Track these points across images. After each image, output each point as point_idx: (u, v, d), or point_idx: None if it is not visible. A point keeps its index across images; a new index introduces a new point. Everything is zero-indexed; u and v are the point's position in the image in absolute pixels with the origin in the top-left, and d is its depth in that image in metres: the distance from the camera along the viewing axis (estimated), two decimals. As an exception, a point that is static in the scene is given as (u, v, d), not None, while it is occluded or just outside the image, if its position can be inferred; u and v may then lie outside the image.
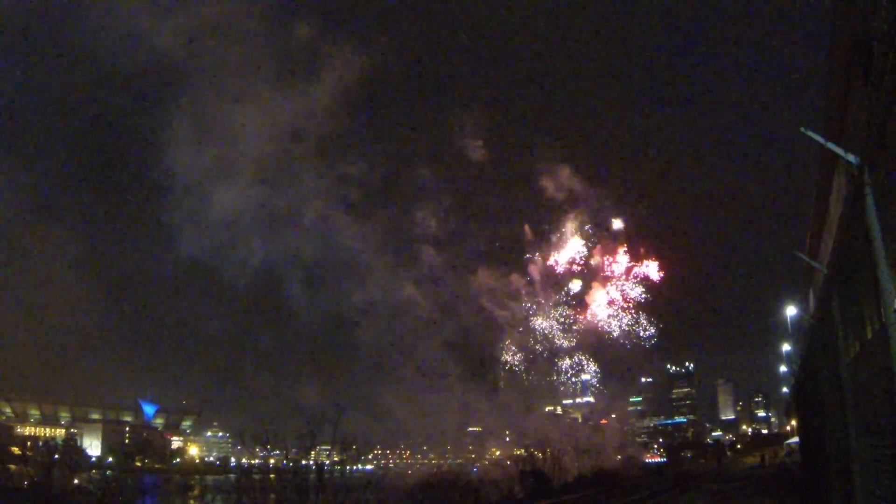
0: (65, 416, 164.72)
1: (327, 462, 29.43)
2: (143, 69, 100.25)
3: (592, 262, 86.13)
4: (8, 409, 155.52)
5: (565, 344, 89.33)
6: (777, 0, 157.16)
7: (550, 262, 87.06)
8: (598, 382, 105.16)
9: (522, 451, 74.60)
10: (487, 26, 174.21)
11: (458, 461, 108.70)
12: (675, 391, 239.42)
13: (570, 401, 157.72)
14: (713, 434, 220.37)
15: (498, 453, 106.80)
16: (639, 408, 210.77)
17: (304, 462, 28.30)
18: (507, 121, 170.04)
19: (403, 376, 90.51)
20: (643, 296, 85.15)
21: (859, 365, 8.57)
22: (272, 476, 29.42)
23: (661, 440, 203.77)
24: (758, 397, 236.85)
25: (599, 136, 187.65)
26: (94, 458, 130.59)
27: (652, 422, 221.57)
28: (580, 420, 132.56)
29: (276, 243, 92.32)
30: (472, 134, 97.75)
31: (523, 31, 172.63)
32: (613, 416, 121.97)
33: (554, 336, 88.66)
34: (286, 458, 29.11)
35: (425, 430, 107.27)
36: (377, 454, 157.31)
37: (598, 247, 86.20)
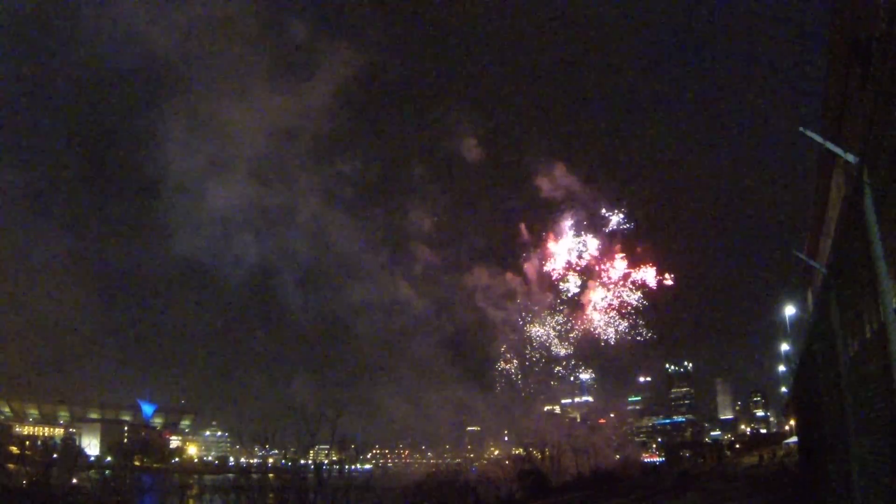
0: (63, 415, 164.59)
1: (326, 462, 29.43)
2: (137, 67, 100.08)
3: (589, 263, 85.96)
4: (7, 409, 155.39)
5: (562, 352, 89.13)
6: (777, 0, 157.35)
7: (547, 268, 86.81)
8: (596, 382, 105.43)
9: (521, 450, 74.74)
10: (482, 25, 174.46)
11: (457, 460, 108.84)
12: (673, 390, 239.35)
13: (569, 400, 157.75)
14: (712, 433, 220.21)
15: (497, 453, 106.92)
16: (637, 407, 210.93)
17: (302, 462, 28.33)
18: (502, 120, 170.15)
19: (399, 375, 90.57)
20: (640, 301, 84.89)
21: (858, 364, 8.58)
22: (271, 475, 29.46)
23: (659, 439, 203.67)
24: (756, 397, 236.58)
25: (596, 136, 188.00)
26: (92, 458, 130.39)
27: (650, 421, 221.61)
28: (579, 419, 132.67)
29: (271, 242, 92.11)
30: (466, 132, 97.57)
31: (518, 30, 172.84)
32: (612, 415, 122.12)
33: (550, 344, 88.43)
34: (285, 457, 29.16)
35: (422, 429, 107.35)
36: (376, 454, 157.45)
37: (595, 247, 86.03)
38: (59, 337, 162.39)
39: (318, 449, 29.58)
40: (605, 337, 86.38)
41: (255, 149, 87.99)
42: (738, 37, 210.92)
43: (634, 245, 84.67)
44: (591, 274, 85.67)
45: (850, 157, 6.99)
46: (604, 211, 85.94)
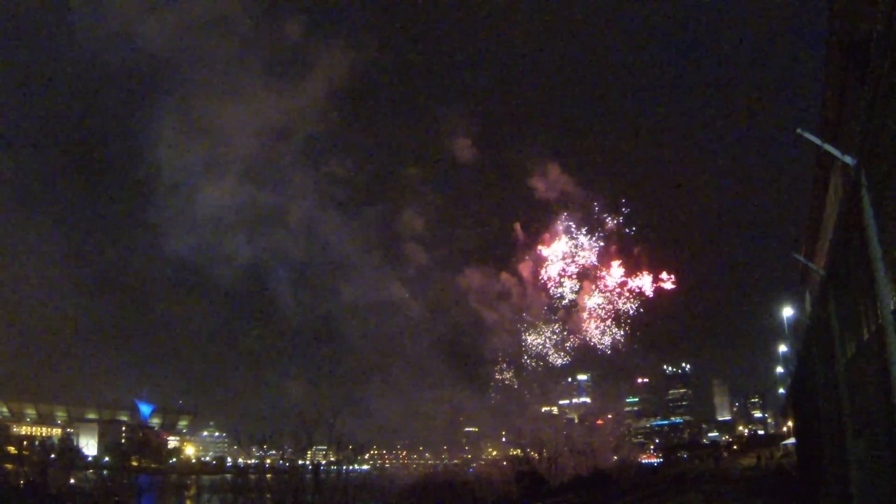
0: (61, 415, 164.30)
1: (323, 462, 29.40)
2: (129, 65, 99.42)
3: (585, 267, 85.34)
4: (4, 409, 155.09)
5: (559, 362, 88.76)
6: (775, 1, 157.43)
7: (543, 276, 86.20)
8: (593, 383, 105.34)
9: (519, 451, 74.61)
10: (476, 25, 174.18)
11: (455, 461, 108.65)
12: (671, 392, 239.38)
13: (567, 401, 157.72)
14: (709, 434, 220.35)
15: (494, 454, 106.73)
16: (635, 408, 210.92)
17: (300, 462, 28.30)
18: (496, 120, 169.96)
19: (394, 376, 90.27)
20: (636, 311, 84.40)
21: (855, 366, 8.59)
22: (269, 476, 29.41)
23: (657, 441, 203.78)
24: (754, 398, 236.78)
25: (592, 137, 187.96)
26: (90, 458, 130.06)
27: (648, 422, 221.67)
28: (576, 420, 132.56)
29: (264, 242, 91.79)
30: (460, 132, 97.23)
31: (513, 30, 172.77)
32: (609, 416, 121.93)
33: (547, 354, 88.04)
34: (282, 458, 29.13)
35: (418, 429, 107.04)
36: (373, 454, 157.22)
37: (593, 251, 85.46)
38: (54, 336, 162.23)
39: (316, 450, 29.57)
40: (601, 347, 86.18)
41: (248, 148, 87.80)
42: (735, 38, 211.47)
43: (632, 247, 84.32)
44: (586, 277, 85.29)
45: (848, 159, 6.99)
46: (598, 209, 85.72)
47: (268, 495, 26.20)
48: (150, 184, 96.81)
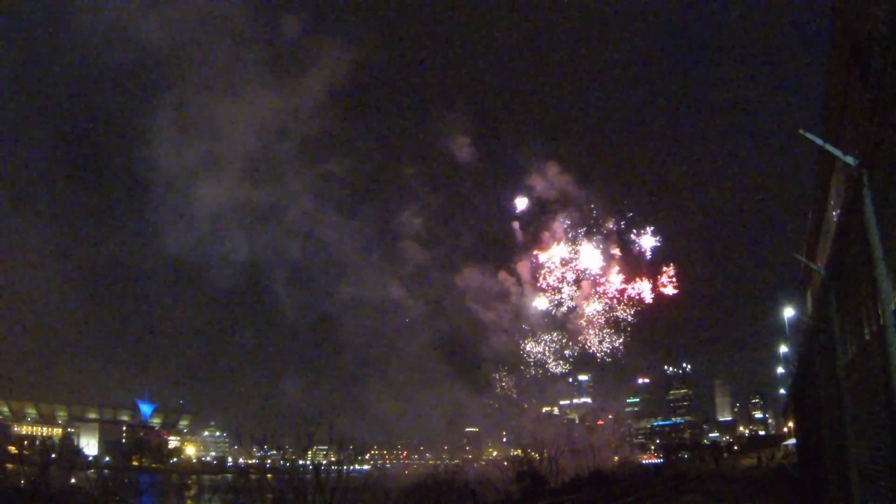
0: (62, 415, 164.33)
1: (324, 462, 29.39)
2: (128, 63, 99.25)
3: (584, 273, 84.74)
4: (5, 408, 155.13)
5: (559, 371, 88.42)
6: (776, 1, 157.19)
7: (541, 283, 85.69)
8: (594, 384, 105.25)
9: (519, 451, 74.56)
10: (475, 25, 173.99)
11: (455, 461, 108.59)
12: (672, 392, 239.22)
13: (567, 401, 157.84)
14: (710, 435, 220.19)
15: (495, 454, 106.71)
16: (636, 409, 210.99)
17: (301, 462, 28.29)
18: (495, 119, 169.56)
19: (393, 375, 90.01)
20: (634, 320, 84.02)
21: (857, 366, 8.57)
22: (269, 476, 29.39)
23: (658, 441, 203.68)
24: (755, 399, 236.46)
25: (591, 136, 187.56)
26: (90, 458, 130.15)
27: (649, 423, 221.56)
28: (577, 421, 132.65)
29: (261, 240, 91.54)
30: (459, 131, 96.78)
31: (511, 29, 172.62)
32: (610, 416, 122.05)
33: (547, 362, 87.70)
34: (283, 458, 29.13)
35: (417, 429, 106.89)
36: (374, 454, 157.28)
37: (591, 256, 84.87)
38: (55, 336, 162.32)
39: (317, 449, 29.56)
40: (600, 355, 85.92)
41: (246, 147, 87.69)
42: (738, 38, 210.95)
43: (633, 250, 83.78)
44: (585, 284, 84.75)
45: (850, 160, 6.98)
46: (596, 212, 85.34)
47: (268, 495, 26.21)
48: (147, 182, 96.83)
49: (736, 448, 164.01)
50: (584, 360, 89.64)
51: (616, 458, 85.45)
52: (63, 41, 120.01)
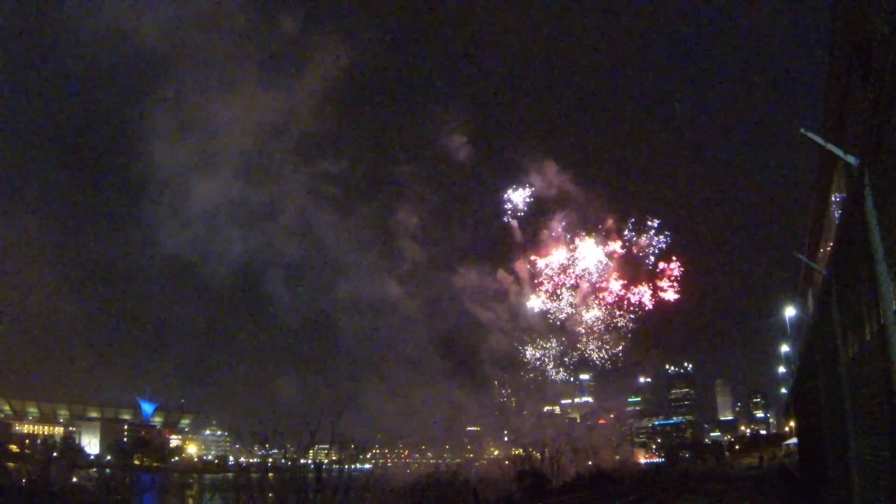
0: (63, 414, 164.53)
1: (325, 461, 29.40)
2: (123, 61, 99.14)
3: (582, 276, 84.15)
4: (6, 407, 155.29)
5: (558, 378, 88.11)
6: (777, 1, 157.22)
7: (540, 291, 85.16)
8: (595, 383, 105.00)
9: (521, 450, 74.51)
10: (472, 22, 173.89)
11: (457, 461, 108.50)
12: (673, 391, 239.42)
13: (569, 401, 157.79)
14: (711, 434, 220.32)
15: (496, 453, 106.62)
16: (637, 408, 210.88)
17: (302, 461, 28.28)
18: (492, 117, 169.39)
19: (391, 374, 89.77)
20: (636, 324, 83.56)
21: (858, 366, 8.58)
22: (270, 475, 29.39)
23: (659, 440, 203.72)
24: (756, 398, 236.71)
25: (590, 136, 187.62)
26: (92, 456, 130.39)
27: (650, 422, 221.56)
28: (578, 420, 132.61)
29: (258, 239, 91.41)
30: (455, 130, 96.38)
31: (508, 27, 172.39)
32: (612, 416, 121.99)
33: (545, 369, 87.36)
34: (284, 457, 29.10)
35: (416, 428, 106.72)
36: (375, 453, 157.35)
37: (591, 261, 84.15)
38: (56, 335, 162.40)
39: (318, 448, 29.56)
40: (600, 363, 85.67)
41: (242, 145, 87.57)
42: (739, 38, 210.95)
43: (633, 250, 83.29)
44: (585, 289, 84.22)
45: (851, 159, 6.99)
46: (595, 212, 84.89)
47: (270, 494, 26.21)
48: (143, 180, 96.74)
49: (737, 447, 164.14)
50: (585, 364, 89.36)
51: (617, 457, 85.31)
52: (58, 39, 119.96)
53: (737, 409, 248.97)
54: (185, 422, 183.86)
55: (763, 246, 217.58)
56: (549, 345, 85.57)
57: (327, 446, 31.65)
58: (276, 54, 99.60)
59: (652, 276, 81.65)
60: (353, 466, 34.73)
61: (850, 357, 9.33)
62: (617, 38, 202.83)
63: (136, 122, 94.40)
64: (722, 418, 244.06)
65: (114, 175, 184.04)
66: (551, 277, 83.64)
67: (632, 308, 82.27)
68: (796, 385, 30.06)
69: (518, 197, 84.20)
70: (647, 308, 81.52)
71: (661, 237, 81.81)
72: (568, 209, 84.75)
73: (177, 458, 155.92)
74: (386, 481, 49.32)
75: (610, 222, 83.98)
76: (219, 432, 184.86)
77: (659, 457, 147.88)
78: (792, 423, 69.03)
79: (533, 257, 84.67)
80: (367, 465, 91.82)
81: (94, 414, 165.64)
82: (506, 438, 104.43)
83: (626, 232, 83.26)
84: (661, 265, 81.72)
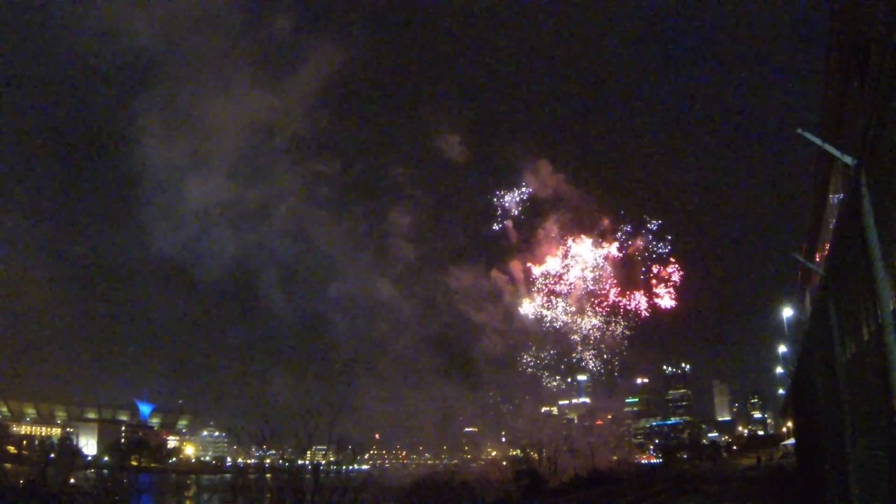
0: (60, 415, 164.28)
1: (323, 462, 29.34)
2: (116, 60, 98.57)
3: (574, 285, 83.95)
4: (4, 408, 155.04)
5: (553, 384, 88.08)
6: (775, 1, 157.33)
7: (536, 299, 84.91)
8: (593, 384, 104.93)
9: (518, 451, 74.53)
10: (466, 22, 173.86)
11: (454, 461, 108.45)
12: (670, 392, 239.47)
13: (566, 401, 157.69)
14: (709, 435, 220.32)
15: (494, 454, 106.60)
16: (634, 409, 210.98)
17: (300, 462, 28.26)
18: (486, 117, 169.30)
19: (387, 375, 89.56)
20: (630, 332, 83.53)
21: (855, 366, 8.58)
22: (268, 476, 29.36)
23: (656, 441, 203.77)
24: (754, 399, 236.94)
25: (585, 136, 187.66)
26: (89, 458, 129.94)
27: (648, 423, 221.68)
28: (576, 421, 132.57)
29: (251, 239, 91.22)
30: (449, 130, 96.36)
31: (502, 27, 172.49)
32: (609, 416, 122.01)
33: (541, 375, 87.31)
34: (282, 457, 29.06)
35: (412, 429, 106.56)
36: (373, 454, 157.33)
37: (585, 256, 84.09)
38: (54, 336, 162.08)
39: (316, 449, 29.52)
40: (595, 371, 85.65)
41: (235, 145, 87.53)
42: (737, 38, 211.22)
43: (628, 250, 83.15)
44: (578, 299, 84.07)
45: (848, 160, 6.99)
46: (594, 211, 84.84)
47: (267, 495, 26.17)
48: (137, 180, 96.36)
49: (735, 448, 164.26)
50: (581, 367, 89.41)
51: (614, 457, 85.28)
52: (50, 38, 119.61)
53: (734, 409, 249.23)
54: (182, 423, 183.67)
55: (760, 246, 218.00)
56: (542, 355, 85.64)
57: (325, 447, 31.61)
58: (270, 54, 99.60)
59: (648, 284, 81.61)
60: (350, 467, 34.70)
61: (847, 357, 9.34)
62: (614, 37, 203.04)
63: (129, 122, 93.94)
64: (719, 419, 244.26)
65: (107, 175, 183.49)
66: (546, 286, 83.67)
67: (628, 314, 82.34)
68: (794, 386, 30.10)
69: (511, 200, 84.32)
70: (643, 316, 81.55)
71: (661, 243, 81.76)
72: (562, 210, 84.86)
73: (174, 459, 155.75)
74: (384, 482, 49.29)
75: (606, 222, 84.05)
76: (216, 433, 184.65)
77: (656, 457, 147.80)
78: (789, 424, 69.20)
79: (528, 264, 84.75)
80: (365, 466, 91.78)
81: (91, 415, 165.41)
82: (503, 439, 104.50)
83: (621, 234, 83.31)
84: (659, 268, 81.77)
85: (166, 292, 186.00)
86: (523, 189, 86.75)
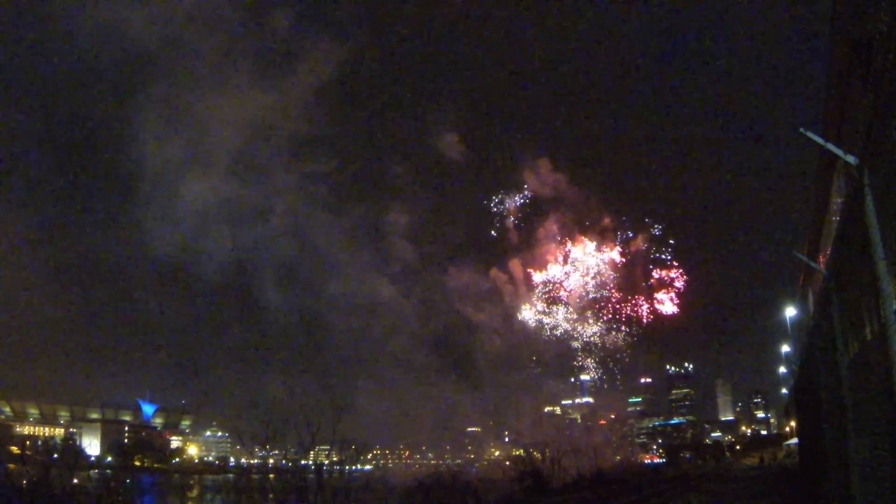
0: (64, 415, 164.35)
1: (326, 462, 29.36)
2: (114, 59, 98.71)
3: (572, 291, 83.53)
4: (7, 409, 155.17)
5: (556, 389, 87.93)
6: (777, 1, 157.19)
7: (538, 306, 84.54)
8: (596, 384, 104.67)
9: (521, 451, 74.43)
10: (465, 21, 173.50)
11: (458, 461, 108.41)
12: (674, 392, 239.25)
13: (570, 401, 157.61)
14: (712, 435, 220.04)
15: (497, 454, 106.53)
16: (638, 408, 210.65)
17: (303, 462, 28.29)
18: (485, 115, 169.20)
19: (386, 374, 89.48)
20: (633, 339, 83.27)
21: (858, 366, 8.57)
22: (271, 476, 29.39)
23: (660, 441, 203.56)
24: (757, 398, 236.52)
25: (585, 135, 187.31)
26: (93, 458, 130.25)
27: (651, 422, 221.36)
28: (579, 420, 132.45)
29: (249, 238, 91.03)
30: (448, 129, 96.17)
31: (501, 25, 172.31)
32: (612, 416, 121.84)
33: (543, 378, 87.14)
34: (285, 458, 29.11)
35: (411, 428, 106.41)
36: (376, 454, 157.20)
37: (589, 275, 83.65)
38: (54, 335, 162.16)
39: (319, 450, 29.56)
40: (596, 379, 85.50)
41: (233, 144, 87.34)
42: (738, 37, 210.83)
43: (629, 249, 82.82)
44: (580, 306, 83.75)
45: (851, 159, 6.98)
46: (594, 210, 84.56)
47: (271, 495, 26.21)
48: (135, 178, 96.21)
49: (738, 447, 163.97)
50: (583, 368, 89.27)
51: (618, 457, 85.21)
52: (49, 36, 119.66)
53: (737, 409, 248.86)
54: (185, 423, 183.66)
55: (763, 246, 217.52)
56: (543, 365, 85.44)
57: (328, 447, 31.63)
58: (268, 53, 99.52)
59: (650, 290, 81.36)
60: (353, 467, 34.72)
61: (850, 357, 9.33)
62: (614, 37, 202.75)
63: (127, 120, 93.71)
64: (722, 418, 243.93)
65: (105, 173, 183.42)
66: (547, 293, 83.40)
67: (631, 320, 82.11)
68: (797, 385, 30.05)
69: (510, 202, 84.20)
70: (644, 322, 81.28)
71: (664, 249, 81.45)
72: (562, 209, 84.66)
73: (177, 460, 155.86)
74: (386, 482, 49.29)
75: (606, 221, 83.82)
76: (219, 433, 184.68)
77: (660, 457, 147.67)
78: (793, 424, 69.01)
79: (529, 270, 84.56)
80: (368, 466, 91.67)
81: (94, 415, 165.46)
82: (506, 439, 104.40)
83: (622, 235, 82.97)
84: (661, 272, 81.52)
85: (165, 292, 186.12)
86: (525, 191, 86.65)
